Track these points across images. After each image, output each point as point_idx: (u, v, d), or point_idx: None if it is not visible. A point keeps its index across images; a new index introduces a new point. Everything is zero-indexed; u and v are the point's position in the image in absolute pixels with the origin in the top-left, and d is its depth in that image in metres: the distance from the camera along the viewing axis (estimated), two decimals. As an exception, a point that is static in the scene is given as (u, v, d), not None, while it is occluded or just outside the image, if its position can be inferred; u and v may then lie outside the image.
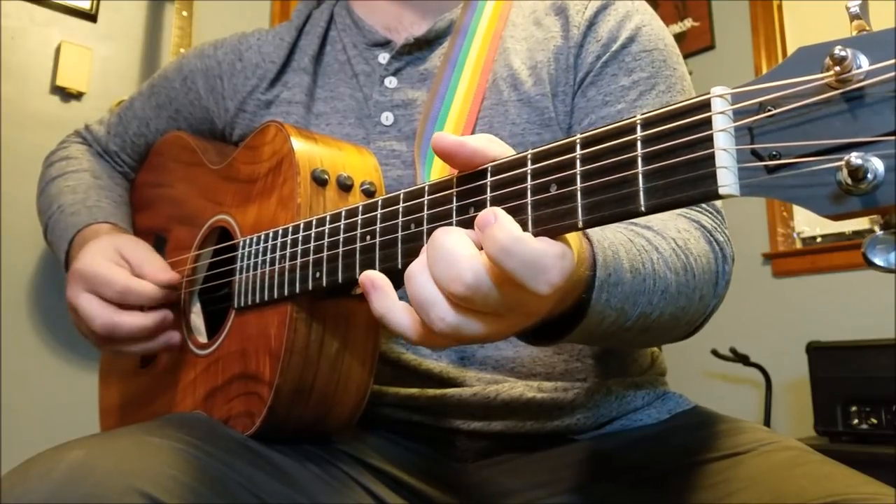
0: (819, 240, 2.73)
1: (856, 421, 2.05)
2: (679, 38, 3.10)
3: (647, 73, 0.79)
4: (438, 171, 0.78)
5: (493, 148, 0.50)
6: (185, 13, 2.26)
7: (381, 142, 0.84)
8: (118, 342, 0.80)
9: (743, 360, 2.60)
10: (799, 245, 2.78)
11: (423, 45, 0.88)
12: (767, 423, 2.54)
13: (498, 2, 0.89)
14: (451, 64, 0.84)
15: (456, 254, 0.45)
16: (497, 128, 0.81)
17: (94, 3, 2.30)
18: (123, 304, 0.78)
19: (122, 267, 0.80)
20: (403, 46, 0.88)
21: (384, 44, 0.90)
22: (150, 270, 0.80)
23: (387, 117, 0.85)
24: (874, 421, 2.02)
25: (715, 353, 2.62)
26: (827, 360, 2.14)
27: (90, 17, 2.29)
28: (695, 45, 3.10)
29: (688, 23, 3.16)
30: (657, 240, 0.65)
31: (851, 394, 2.07)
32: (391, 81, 0.87)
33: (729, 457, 0.68)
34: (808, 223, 2.77)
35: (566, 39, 0.83)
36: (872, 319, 2.31)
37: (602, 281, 0.55)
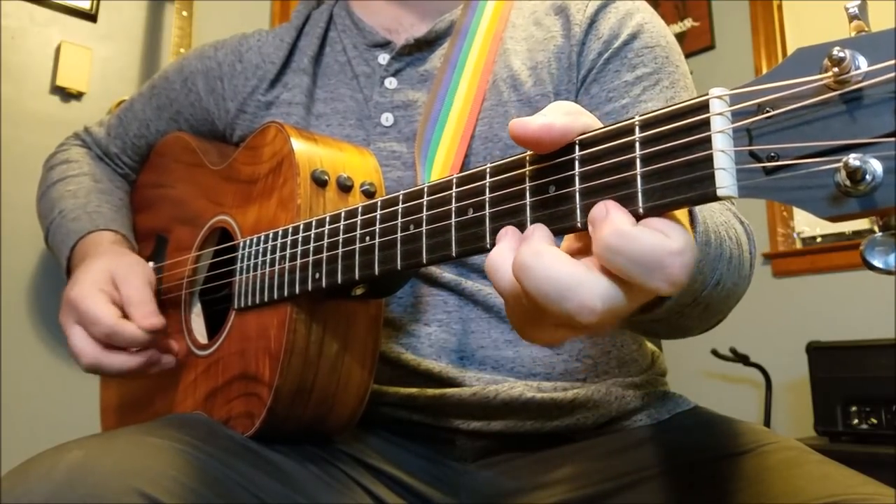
0: (819, 240, 2.73)
1: (856, 421, 2.05)
2: (679, 38, 3.10)
3: (651, 68, 0.79)
4: (439, 171, 0.78)
5: (577, 125, 0.45)
6: (185, 13, 2.26)
7: (381, 143, 0.84)
8: (105, 376, 0.81)
9: (743, 360, 2.60)
10: (799, 245, 2.78)
11: (424, 45, 0.88)
12: (767, 423, 2.54)
13: (498, 3, 0.89)
14: (451, 65, 0.84)
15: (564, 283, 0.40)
16: (497, 128, 0.81)
17: (94, 3, 2.30)
18: (109, 345, 0.78)
19: (112, 301, 0.79)
20: (403, 47, 0.88)
21: (384, 45, 0.90)
22: (138, 313, 0.79)
23: (387, 118, 0.85)
24: (874, 421, 2.02)
25: (715, 353, 2.62)
26: (827, 360, 2.14)
27: (90, 17, 2.30)
28: (695, 45, 3.11)
29: (688, 23, 3.17)
30: (706, 210, 0.62)
31: (851, 394, 2.07)
32: (391, 82, 0.87)
33: (729, 457, 0.68)
34: (808, 223, 2.77)
35: (567, 38, 0.83)
36: (872, 319, 2.31)
37: (700, 242, 0.53)
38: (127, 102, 1.08)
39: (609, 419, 0.77)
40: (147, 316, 0.78)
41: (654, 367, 0.86)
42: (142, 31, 2.41)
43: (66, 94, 2.22)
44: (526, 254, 0.41)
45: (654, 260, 0.38)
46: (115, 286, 0.81)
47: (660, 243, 0.38)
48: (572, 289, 0.39)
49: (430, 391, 0.75)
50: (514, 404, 0.74)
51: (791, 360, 2.45)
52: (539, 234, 0.43)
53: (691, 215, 0.52)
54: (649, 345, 0.89)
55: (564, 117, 0.44)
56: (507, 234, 0.45)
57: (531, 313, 0.44)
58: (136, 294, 0.80)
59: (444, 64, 0.85)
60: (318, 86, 0.91)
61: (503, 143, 0.80)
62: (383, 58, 0.89)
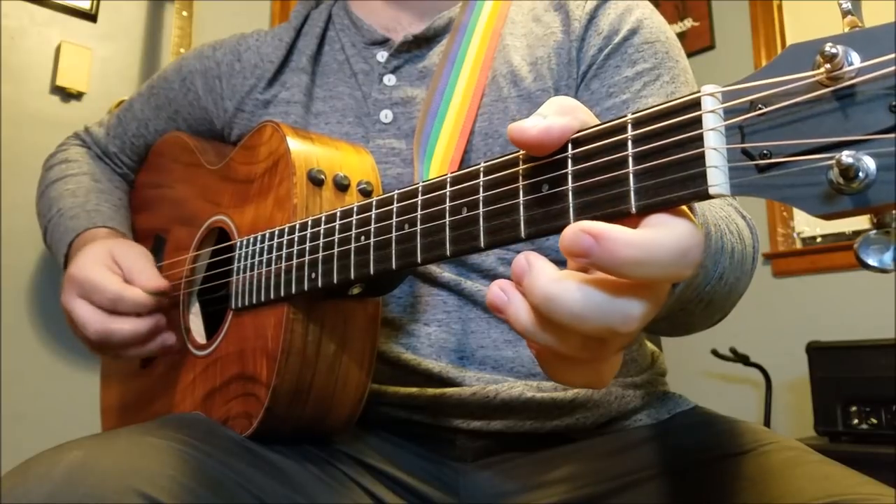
0: (819, 240, 2.73)
1: (856, 421, 2.05)
2: (679, 38, 3.09)
3: (651, 63, 0.79)
4: (438, 167, 0.78)
5: (575, 124, 0.44)
6: (185, 13, 2.27)
7: (380, 140, 0.84)
8: (112, 348, 0.80)
9: (743, 360, 2.60)
10: (799, 245, 2.78)
11: (422, 42, 0.88)
12: (767, 423, 2.54)
13: (497, 1, 0.90)
14: (450, 61, 0.84)
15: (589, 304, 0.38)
16: (497, 124, 0.81)
17: (94, 3, 2.30)
18: (115, 311, 0.78)
19: (114, 273, 0.80)
20: (402, 44, 0.88)
21: (382, 42, 0.90)
22: (141, 277, 0.80)
23: (386, 115, 0.85)
24: (874, 421, 2.02)
25: (715, 353, 2.62)
26: (827, 360, 2.14)
27: (90, 17, 2.30)
28: (695, 45, 3.11)
29: (688, 23, 3.17)
30: (705, 205, 0.61)
31: (851, 394, 2.07)
32: (390, 79, 0.87)
33: (729, 457, 0.68)
34: (808, 223, 2.77)
35: (567, 34, 0.83)
36: (872, 319, 2.31)
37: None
38: (126, 102, 1.08)
39: (609, 419, 0.77)
40: (150, 279, 0.79)
41: (654, 367, 0.85)
42: (142, 31, 2.41)
43: (66, 94, 2.22)
44: (544, 285, 0.39)
45: (682, 252, 0.37)
46: (114, 262, 0.82)
47: (679, 236, 0.38)
48: (610, 302, 0.38)
49: (430, 391, 0.75)
50: (513, 404, 0.74)
51: (791, 360, 2.45)
52: (540, 261, 0.41)
53: (689, 208, 0.52)
54: (649, 345, 0.89)
55: (562, 118, 0.44)
56: (500, 287, 0.43)
57: (578, 347, 0.41)
58: (137, 264, 0.81)
59: (442, 60, 0.85)
60: (316, 84, 0.91)
61: (503, 139, 0.80)
62: (381, 55, 0.89)
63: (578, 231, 0.37)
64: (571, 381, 0.44)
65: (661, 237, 0.37)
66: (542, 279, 0.40)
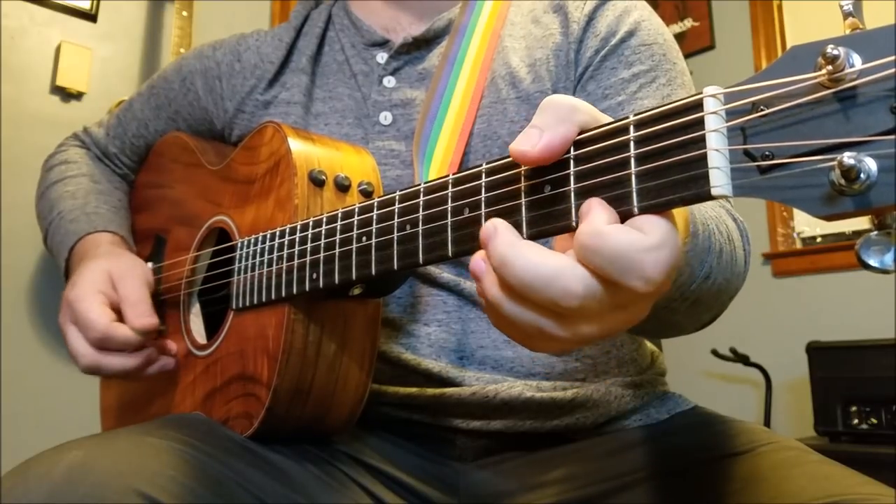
0: (819, 240, 2.73)
1: (856, 421, 2.05)
2: (679, 38, 3.10)
3: (647, 66, 0.79)
4: (437, 169, 0.78)
5: (575, 129, 0.44)
6: (185, 13, 2.26)
7: (379, 141, 0.84)
8: (104, 377, 0.81)
9: (743, 360, 2.60)
10: (799, 245, 2.78)
11: (422, 44, 0.88)
12: (767, 423, 2.54)
13: (496, 1, 0.89)
14: (449, 62, 0.84)
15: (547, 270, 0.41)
16: (496, 126, 0.81)
17: (94, 3, 2.30)
18: (105, 348, 0.78)
19: (109, 301, 0.80)
20: (402, 46, 0.88)
21: (382, 43, 0.90)
22: (132, 313, 0.79)
23: (385, 117, 0.85)
24: (874, 421, 2.02)
25: (715, 353, 2.62)
26: (827, 360, 2.14)
27: (90, 17, 2.30)
28: (695, 45, 3.11)
29: (688, 23, 3.17)
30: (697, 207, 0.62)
31: (851, 394, 2.07)
32: (389, 81, 0.87)
33: (728, 457, 0.68)
34: (808, 223, 2.77)
35: (565, 36, 0.83)
36: (872, 319, 2.31)
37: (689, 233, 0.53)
38: (126, 103, 1.08)
39: (608, 419, 0.78)
40: (140, 316, 0.79)
41: (653, 367, 0.86)
42: (142, 31, 2.40)
43: (66, 94, 2.22)
44: (500, 248, 0.42)
45: (626, 259, 0.39)
46: (112, 286, 0.81)
47: (633, 242, 0.39)
48: (556, 275, 0.40)
49: (430, 391, 0.75)
50: (513, 403, 0.74)
51: (791, 360, 2.45)
52: (503, 227, 0.43)
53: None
54: (649, 345, 0.89)
55: (560, 127, 0.44)
56: (482, 257, 0.45)
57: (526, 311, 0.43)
58: (133, 293, 0.81)
59: (442, 61, 0.85)
60: (316, 85, 0.91)
61: (502, 140, 0.80)
62: (381, 56, 0.89)
63: (588, 200, 0.41)
64: (507, 333, 0.47)
65: (615, 236, 0.39)
66: (500, 243, 0.42)
